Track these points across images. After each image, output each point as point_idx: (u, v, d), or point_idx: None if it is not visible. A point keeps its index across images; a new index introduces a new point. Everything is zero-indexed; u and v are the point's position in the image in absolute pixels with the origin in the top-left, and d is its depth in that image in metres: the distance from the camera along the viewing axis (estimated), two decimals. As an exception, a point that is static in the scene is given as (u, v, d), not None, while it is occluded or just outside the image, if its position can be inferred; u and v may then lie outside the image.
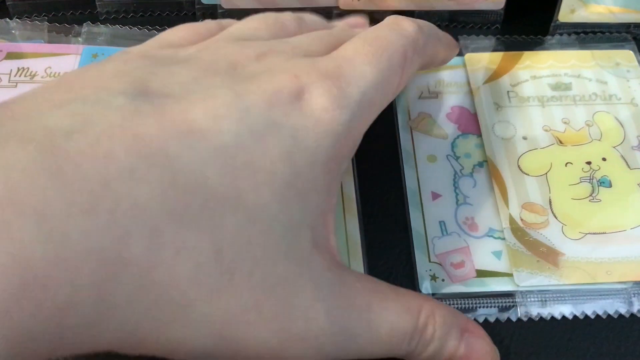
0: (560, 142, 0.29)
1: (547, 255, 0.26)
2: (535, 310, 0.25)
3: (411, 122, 0.30)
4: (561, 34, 0.33)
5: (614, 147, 0.29)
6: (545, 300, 0.25)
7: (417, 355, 0.20)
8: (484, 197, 0.27)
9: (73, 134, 0.15)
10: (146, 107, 0.17)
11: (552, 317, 0.25)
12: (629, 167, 0.28)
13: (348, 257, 0.26)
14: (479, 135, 0.29)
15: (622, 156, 0.29)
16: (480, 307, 0.25)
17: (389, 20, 0.23)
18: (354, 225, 0.26)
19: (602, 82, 0.31)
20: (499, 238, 0.26)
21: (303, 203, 0.18)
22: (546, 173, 0.28)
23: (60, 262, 0.14)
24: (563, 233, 0.26)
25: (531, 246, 0.26)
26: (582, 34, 0.33)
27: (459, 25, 0.34)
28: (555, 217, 0.27)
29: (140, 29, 0.32)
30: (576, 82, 0.31)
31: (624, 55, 0.32)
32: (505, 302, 0.25)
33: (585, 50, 0.32)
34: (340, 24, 0.26)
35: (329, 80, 0.19)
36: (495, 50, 0.32)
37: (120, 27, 0.33)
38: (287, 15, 0.24)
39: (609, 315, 0.25)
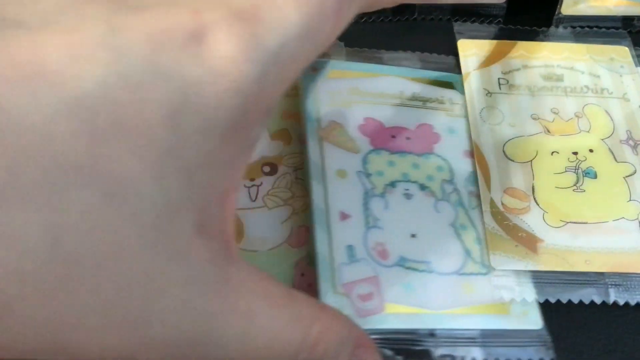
0: (548, 131, 0.29)
1: (526, 240, 0.25)
2: (510, 296, 0.24)
3: (321, 131, 0.27)
4: (565, 27, 0.33)
5: (602, 139, 0.28)
6: (521, 285, 0.24)
7: None
8: (396, 221, 0.25)
9: None
10: None
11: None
12: (615, 160, 0.28)
13: None
14: (392, 152, 0.27)
15: (609, 149, 0.28)
16: (384, 348, 0.22)
17: None
18: None
19: (595, 75, 0.31)
20: (410, 269, 0.24)
21: (189, 179, 0.14)
22: (531, 160, 0.28)
23: None
24: (544, 220, 0.26)
25: (510, 231, 0.25)
26: (578, 28, 0.33)
27: (462, 19, 0.34)
28: (537, 203, 0.26)
29: None
30: (568, 74, 0.31)
31: (619, 51, 0.32)
32: (413, 341, 0.22)
33: (580, 44, 0.32)
34: None
35: (242, 22, 0.15)
36: (489, 38, 0.32)
37: None
38: None
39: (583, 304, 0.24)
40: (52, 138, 0.12)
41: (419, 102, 0.29)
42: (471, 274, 0.24)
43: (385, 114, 0.28)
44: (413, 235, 0.25)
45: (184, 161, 0.14)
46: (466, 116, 0.29)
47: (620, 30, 0.33)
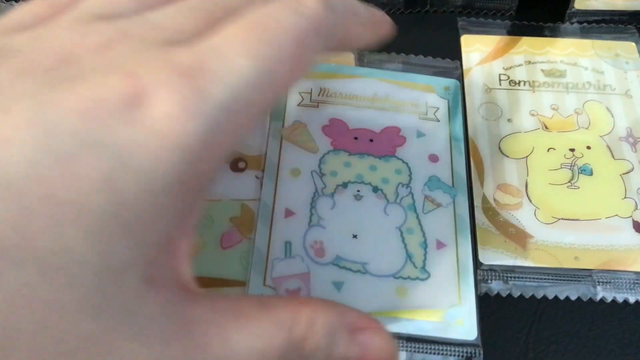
0: (546, 127, 0.29)
1: (516, 236, 0.25)
2: (497, 289, 0.25)
3: (283, 131, 0.28)
4: (581, 23, 0.33)
5: (601, 136, 0.28)
6: (507, 280, 0.25)
7: None
8: (340, 221, 0.25)
9: None
10: None
11: (518, 297, 0.25)
12: (613, 157, 0.28)
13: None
14: (351, 153, 0.27)
15: (608, 146, 0.28)
16: None
17: None
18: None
19: (599, 71, 0.31)
20: (344, 268, 0.24)
21: (131, 238, 0.15)
22: (527, 156, 0.28)
23: None
24: (535, 216, 0.26)
25: (501, 226, 0.26)
26: (585, 24, 0.33)
27: (473, 12, 0.34)
28: (529, 199, 0.26)
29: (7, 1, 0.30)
30: (571, 70, 0.31)
31: (626, 46, 0.32)
32: None
33: (586, 40, 0.32)
34: None
35: (183, 79, 0.15)
36: (493, 34, 0.32)
37: None
38: None
39: (570, 300, 0.25)
40: None
41: (392, 104, 0.29)
42: (408, 278, 0.24)
43: (351, 116, 0.28)
44: (354, 236, 0.25)
45: (123, 222, 0.14)
46: (447, 118, 0.29)
47: (628, 25, 0.33)
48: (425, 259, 0.25)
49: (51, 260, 0.13)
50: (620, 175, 0.27)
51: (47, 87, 0.14)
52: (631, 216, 0.26)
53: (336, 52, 0.21)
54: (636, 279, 0.25)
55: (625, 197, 0.27)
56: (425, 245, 0.25)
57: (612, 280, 0.25)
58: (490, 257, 0.25)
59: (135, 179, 0.14)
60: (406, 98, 0.29)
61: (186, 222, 0.17)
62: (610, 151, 0.28)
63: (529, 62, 0.31)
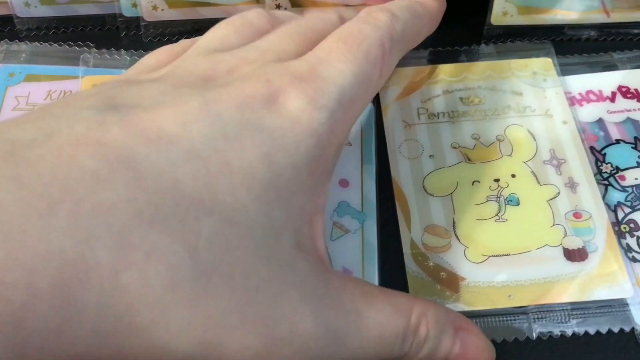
0: (469, 159, 0.28)
1: (448, 280, 0.25)
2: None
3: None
4: (487, 44, 0.33)
5: (525, 161, 0.28)
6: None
7: (412, 357, 0.20)
8: None
9: (36, 143, 0.15)
10: (113, 117, 0.17)
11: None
12: (539, 182, 0.27)
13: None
14: None
15: (532, 172, 0.28)
16: None
17: (362, 13, 0.23)
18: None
19: (517, 93, 0.30)
20: None
21: (285, 205, 0.18)
22: (452, 193, 0.27)
23: (15, 263, 0.14)
24: (465, 256, 0.25)
25: (431, 272, 0.25)
26: (500, 44, 0.32)
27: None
28: (458, 239, 0.26)
29: (61, 45, 0.32)
30: (489, 95, 0.30)
31: (542, 63, 0.31)
32: None
33: (503, 60, 0.32)
34: (310, 13, 0.26)
35: (304, 83, 0.19)
36: (408, 65, 0.31)
37: (40, 44, 0.32)
38: (254, 12, 0.23)
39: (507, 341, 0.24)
40: (177, 180, 0.16)
41: None
42: None
43: None
44: None
45: (280, 190, 0.18)
46: (360, 142, 0.29)
47: (543, 40, 0.33)
48: None
49: (232, 214, 0.17)
50: (547, 201, 0.27)
51: (207, 90, 0.18)
52: (561, 244, 0.26)
53: (408, 50, 0.25)
54: (571, 310, 0.24)
55: (554, 225, 0.26)
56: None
57: (548, 315, 0.24)
58: (423, 306, 0.24)
59: (285, 155, 0.18)
60: None
61: (318, 200, 0.20)
62: (536, 177, 0.28)
63: (447, 92, 0.30)
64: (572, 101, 0.30)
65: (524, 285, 0.25)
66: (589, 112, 0.30)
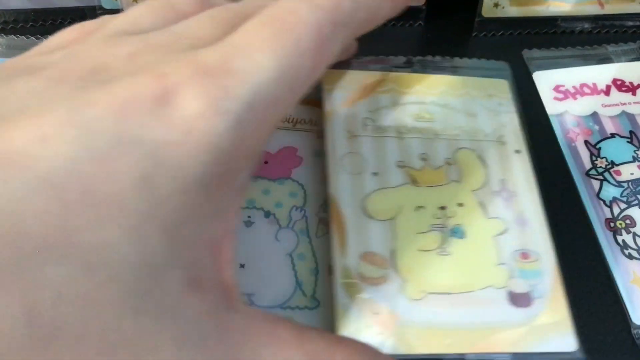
0: (415, 181, 0.25)
1: (381, 319, 0.22)
2: None
3: None
4: (486, 31, 0.32)
5: (473, 190, 0.26)
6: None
7: None
8: None
9: None
10: None
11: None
12: (486, 215, 0.25)
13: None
14: None
15: (480, 203, 0.25)
16: None
17: None
18: None
19: (471, 114, 0.28)
20: None
21: (170, 238, 0.15)
22: (394, 217, 0.24)
23: None
24: (403, 291, 0.23)
25: (364, 306, 0.22)
26: (456, 58, 0.30)
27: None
28: (396, 271, 0.23)
29: (39, 38, 0.30)
30: (442, 113, 0.28)
31: (498, 85, 0.29)
32: None
33: (458, 77, 0.29)
34: None
35: (209, 78, 0.15)
36: (359, 68, 0.28)
37: (17, 37, 0.30)
38: None
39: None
40: (21, 218, 0.13)
41: (289, 123, 0.27)
42: (297, 307, 0.23)
43: None
44: (242, 266, 0.24)
45: (162, 221, 0.14)
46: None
47: (500, 61, 0.30)
48: (315, 286, 0.23)
49: (93, 256, 0.14)
50: (493, 237, 0.25)
51: (82, 91, 0.15)
52: (506, 286, 0.23)
53: (366, 31, 0.20)
54: (512, 361, 0.22)
55: (499, 264, 0.24)
56: (316, 272, 0.24)
57: (487, 366, 0.22)
58: (352, 345, 0.21)
59: (169, 176, 0.14)
60: (303, 116, 0.28)
61: (227, 224, 0.17)
62: (483, 208, 0.25)
63: (397, 104, 0.28)
64: (565, 95, 0.29)
65: (463, 330, 0.22)
66: (584, 106, 0.29)
